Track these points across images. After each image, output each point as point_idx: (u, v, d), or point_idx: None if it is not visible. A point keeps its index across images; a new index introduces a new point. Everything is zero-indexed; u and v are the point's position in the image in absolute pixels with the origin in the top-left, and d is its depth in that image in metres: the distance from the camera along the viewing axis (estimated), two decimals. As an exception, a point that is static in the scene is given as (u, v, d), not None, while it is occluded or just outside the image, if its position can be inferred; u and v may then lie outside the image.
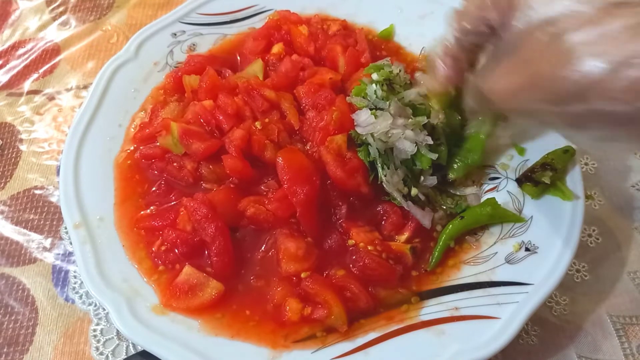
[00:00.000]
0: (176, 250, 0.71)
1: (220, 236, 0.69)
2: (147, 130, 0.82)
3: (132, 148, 0.83)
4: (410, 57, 0.92)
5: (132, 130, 0.85)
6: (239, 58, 0.93)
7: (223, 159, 0.74)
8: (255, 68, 0.87)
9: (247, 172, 0.74)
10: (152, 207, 0.77)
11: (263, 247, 0.72)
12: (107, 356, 0.71)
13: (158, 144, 0.80)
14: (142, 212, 0.76)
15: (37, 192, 0.87)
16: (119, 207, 0.77)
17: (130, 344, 0.72)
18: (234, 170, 0.74)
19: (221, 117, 0.78)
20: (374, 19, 0.96)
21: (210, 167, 0.76)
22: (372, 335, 0.65)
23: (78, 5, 1.11)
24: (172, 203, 0.77)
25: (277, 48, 0.89)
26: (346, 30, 0.93)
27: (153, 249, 0.72)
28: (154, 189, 0.79)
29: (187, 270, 0.69)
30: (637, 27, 0.44)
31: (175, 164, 0.78)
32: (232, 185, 0.75)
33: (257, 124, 0.77)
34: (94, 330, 0.73)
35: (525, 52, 0.52)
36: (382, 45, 0.94)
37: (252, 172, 0.75)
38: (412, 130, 0.72)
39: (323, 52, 0.89)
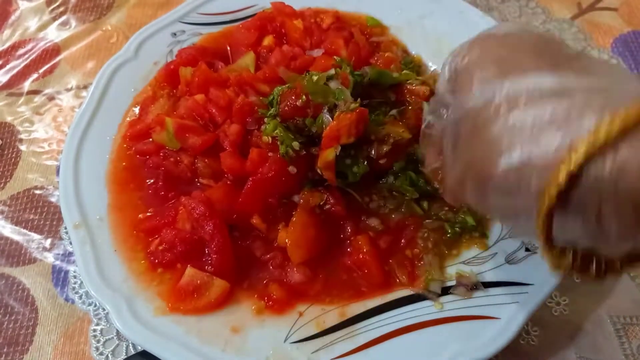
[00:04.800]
0: (175, 250, 0.71)
1: (218, 233, 0.69)
2: (138, 127, 0.82)
3: (124, 146, 0.83)
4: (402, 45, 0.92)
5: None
6: (229, 49, 0.92)
7: (221, 157, 0.74)
8: (247, 60, 0.87)
9: (244, 171, 0.74)
10: (150, 210, 0.77)
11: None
12: (107, 356, 0.71)
13: (152, 140, 0.80)
14: (140, 215, 0.76)
15: (37, 192, 0.87)
16: (115, 209, 0.76)
17: (130, 344, 0.72)
18: (231, 169, 0.74)
19: (214, 110, 0.78)
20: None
21: (206, 160, 0.76)
22: (372, 335, 0.65)
23: (78, 5, 1.11)
24: (170, 203, 0.77)
25: (267, 40, 0.89)
26: (339, 22, 0.93)
27: (151, 248, 0.72)
28: (150, 181, 0.79)
29: (190, 271, 0.69)
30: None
31: (172, 159, 0.78)
32: (228, 182, 0.75)
33: None
34: (94, 330, 0.73)
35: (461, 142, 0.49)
36: (367, 30, 0.94)
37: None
38: None
39: (322, 45, 0.88)
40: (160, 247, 0.72)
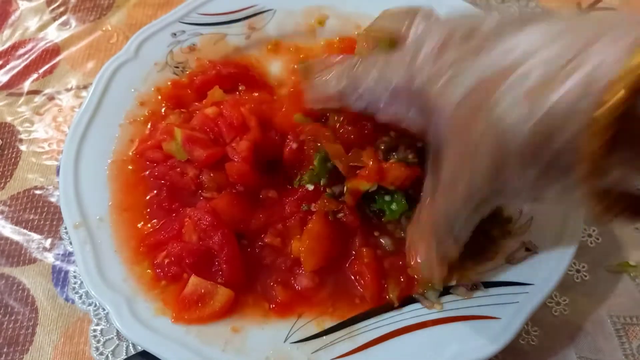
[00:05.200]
0: (182, 263, 0.70)
1: (228, 243, 0.68)
2: (149, 142, 0.81)
3: (132, 152, 0.82)
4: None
5: (130, 125, 0.84)
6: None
7: (227, 167, 0.73)
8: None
9: (252, 178, 0.73)
10: (154, 221, 0.76)
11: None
12: (107, 356, 0.71)
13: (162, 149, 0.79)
14: (139, 225, 0.75)
15: (37, 192, 0.87)
16: (116, 209, 0.76)
17: (130, 344, 0.72)
18: (239, 175, 0.72)
19: (223, 129, 0.76)
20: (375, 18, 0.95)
21: (211, 174, 0.75)
22: (372, 335, 0.65)
23: (78, 5, 1.11)
24: (174, 215, 0.75)
25: None
26: None
27: (157, 260, 0.71)
28: (154, 192, 0.78)
29: (194, 280, 0.68)
30: None
31: (178, 170, 0.77)
32: (233, 191, 0.74)
33: None
34: (94, 331, 0.73)
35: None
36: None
37: (257, 178, 0.73)
38: None
39: None
40: (167, 260, 0.70)
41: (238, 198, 0.74)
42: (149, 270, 0.71)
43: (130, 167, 0.80)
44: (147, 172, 0.80)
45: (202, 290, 0.67)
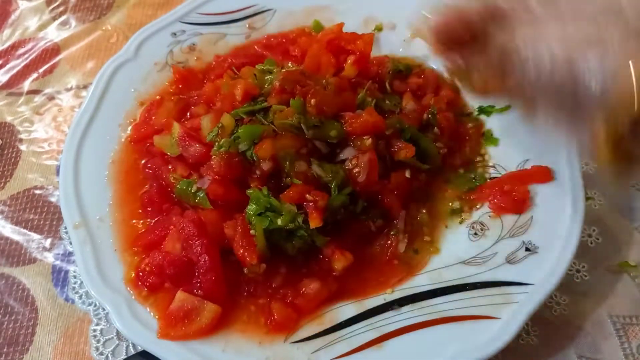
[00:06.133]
0: (163, 274, 0.68)
1: (206, 253, 0.66)
2: (143, 130, 0.81)
3: (130, 140, 0.83)
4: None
5: (130, 126, 0.85)
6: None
7: (209, 188, 0.71)
8: None
9: (230, 196, 0.71)
10: (148, 219, 0.76)
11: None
12: (107, 356, 0.71)
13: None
14: (135, 223, 0.75)
15: (37, 192, 0.87)
16: (116, 209, 0.76)
17: (130, 344, 0.72)
18: (215, 195, 0.71)
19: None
20: (374, 17, 0.96)
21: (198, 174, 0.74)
22: (371, 336, 0.65)
23: (78, 5, 1.11)
24: (164, 215, 0.75)
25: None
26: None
27: (141, 266, 0.70)
28: (147, 187, 0.78)
29: (180, 296, 0.66)
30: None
31: (169, 166, 0.76)
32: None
33: None
34: (94, 330, 0.73)
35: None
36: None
37: (238, 194, 0.71)
38: None
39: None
40: (147, 270, 0.69)
41: (228, 211, 0.71)
42: (133, 275, 0.70)
43: (128, 164, 0.81)
44: (142, 162, 0.80)
45: (189, 306, 0.66)
